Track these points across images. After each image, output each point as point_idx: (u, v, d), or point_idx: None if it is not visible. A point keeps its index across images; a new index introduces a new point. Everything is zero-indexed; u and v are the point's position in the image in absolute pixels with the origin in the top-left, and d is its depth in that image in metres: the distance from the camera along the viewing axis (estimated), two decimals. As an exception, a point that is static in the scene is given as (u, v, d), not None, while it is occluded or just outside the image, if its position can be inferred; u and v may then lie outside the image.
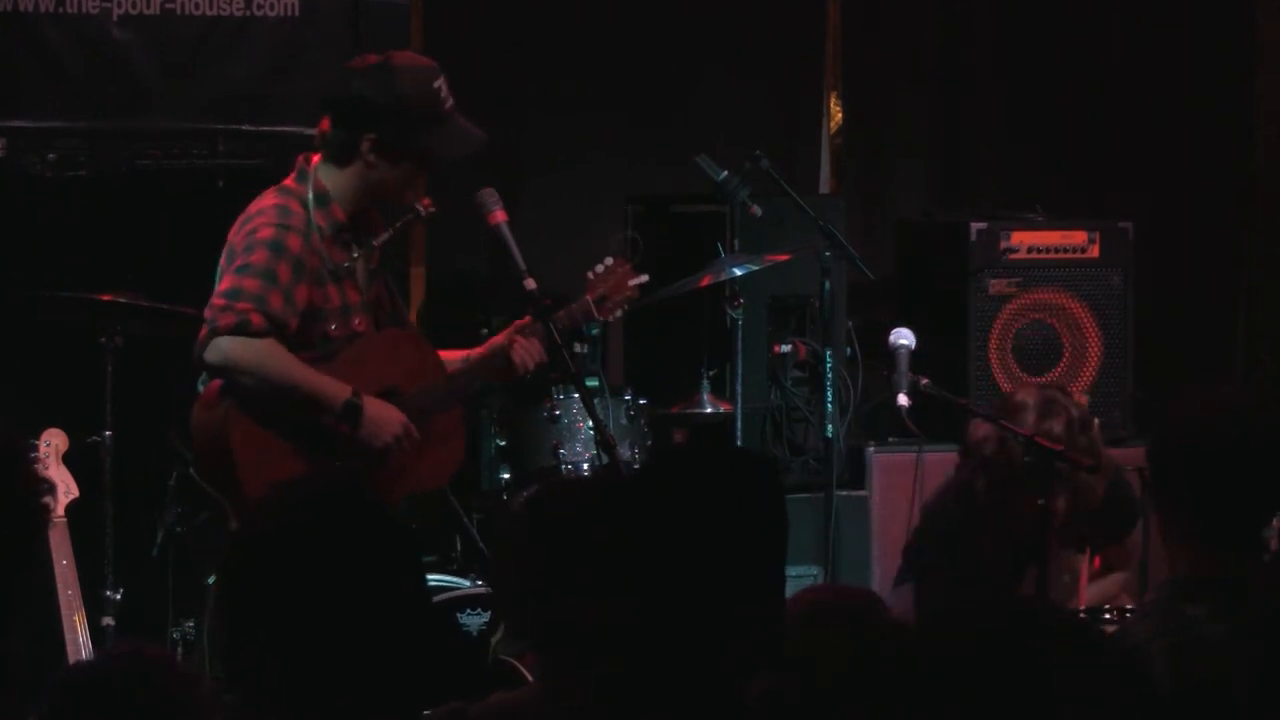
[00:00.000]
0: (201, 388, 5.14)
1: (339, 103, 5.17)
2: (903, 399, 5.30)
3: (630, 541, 2.90)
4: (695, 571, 2.83)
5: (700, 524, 2.86)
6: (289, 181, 5.17)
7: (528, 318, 5.23)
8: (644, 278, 5.45)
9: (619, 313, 5.46)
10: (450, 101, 5.16)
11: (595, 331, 5.53)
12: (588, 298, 5.35)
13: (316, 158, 5.16)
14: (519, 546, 3.30)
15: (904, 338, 5.43)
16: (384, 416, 5.04)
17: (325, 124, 5.16)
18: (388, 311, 5.32)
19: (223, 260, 5.11)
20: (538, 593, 3.21)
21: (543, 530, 3.26)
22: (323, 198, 5.11)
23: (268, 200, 5.12)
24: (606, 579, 2.91)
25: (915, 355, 5.58)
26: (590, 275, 5.40)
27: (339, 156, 5.12)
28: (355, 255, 5.14)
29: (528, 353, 5.21)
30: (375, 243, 5.23)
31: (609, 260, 5.44)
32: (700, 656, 2.84)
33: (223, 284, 5.00)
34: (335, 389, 5.00)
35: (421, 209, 5.18)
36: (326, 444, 5.02)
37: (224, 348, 4.92)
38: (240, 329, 4.92)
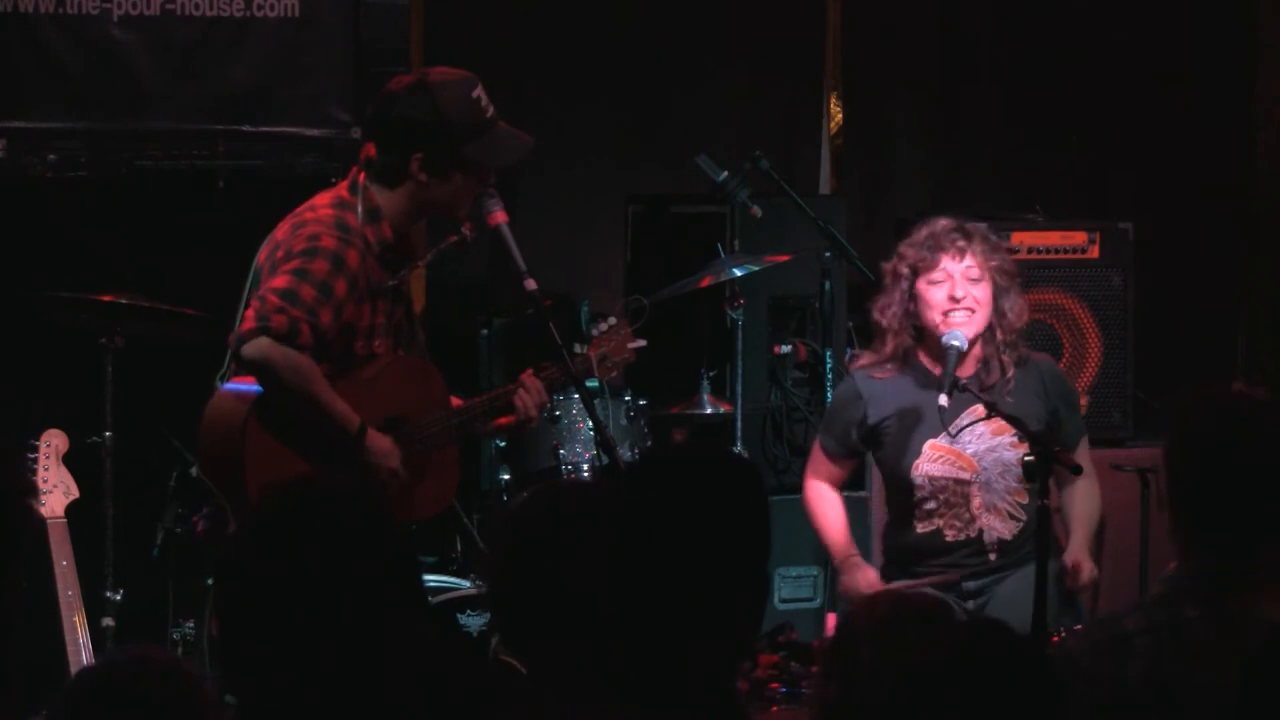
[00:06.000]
0: (220, 383, 5.12)
1: (382, 127, 5.16)
2: (943, 399, 5.33)
3: (614, 543, 2.91)
4: (678, 571, 2.84)
5: (682, 524, 2.87)
6: (343, 190, 5.15)
7: (529, 371, 5.25)
8: (642, 342, 5.49)
9: (615, 373, 5.54)
10: (491, 110, 5.16)
11: (593, 385, 5.57)
12: (590, 354, 5.39)
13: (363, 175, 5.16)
14: (505, 550, 3.31)
15: (955, 338, 5.46)
16: (380, 451, 5.03)
17: (371, 149, 5.15)
18: (406, 336, 5.32)
19: (263, 256, 5.08)
20: (524, 594, 3.22)
21: (528, 534, 3.27)
22: (374, 214, 5.09)
23: (324, 209, 5.09)
24: (591, 580, 2.91)
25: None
26: (594, 332, 5.46)
27: (389, 178, 5.11)
28: (397, 277, 5.15)
29: (530, 398, 5.22)
30: (420, 262, 5.24)
31: (612, 320, 5.48)
32: (686, 655, 2.84)
33: (277, 281, 4.95)
34: (348, 418, 4.99)
35: (466, 233, 5.18)
36: (334, 463, 5.00)
37: (265, 349, 4.89)
38: (288, 337, 4.89)
